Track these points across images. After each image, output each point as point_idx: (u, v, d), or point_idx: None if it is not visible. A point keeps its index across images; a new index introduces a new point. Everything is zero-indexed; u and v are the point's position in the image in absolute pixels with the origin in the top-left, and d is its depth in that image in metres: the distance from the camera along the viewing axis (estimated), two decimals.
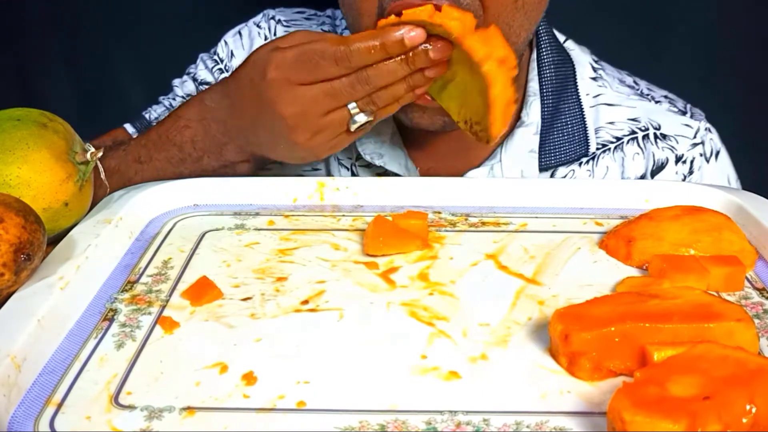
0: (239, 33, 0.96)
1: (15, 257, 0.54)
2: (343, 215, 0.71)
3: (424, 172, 0.87)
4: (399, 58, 0.66)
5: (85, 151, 0.65)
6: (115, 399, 0.48)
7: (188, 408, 0.47)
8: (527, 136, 0.85)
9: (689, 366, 0.45)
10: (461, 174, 0.86)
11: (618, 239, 0.64)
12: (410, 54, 0.66)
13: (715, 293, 0.58)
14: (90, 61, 1.71)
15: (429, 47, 0.65)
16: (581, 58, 0.90)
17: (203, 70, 0.95)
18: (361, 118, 0.69)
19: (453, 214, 0.71)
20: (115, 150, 0.81)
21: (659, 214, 0.65)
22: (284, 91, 0.68)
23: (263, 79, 0.68)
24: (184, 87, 0.96)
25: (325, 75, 0.66)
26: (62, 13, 1.68)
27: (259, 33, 0.95)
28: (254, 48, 0.92)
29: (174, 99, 0.96)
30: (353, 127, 0.69)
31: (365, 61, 0.65)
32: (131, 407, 0.47)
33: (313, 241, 0.67)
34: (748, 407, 0.42)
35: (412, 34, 0.64)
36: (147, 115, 0.96)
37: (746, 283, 0.60)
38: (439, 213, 0.71)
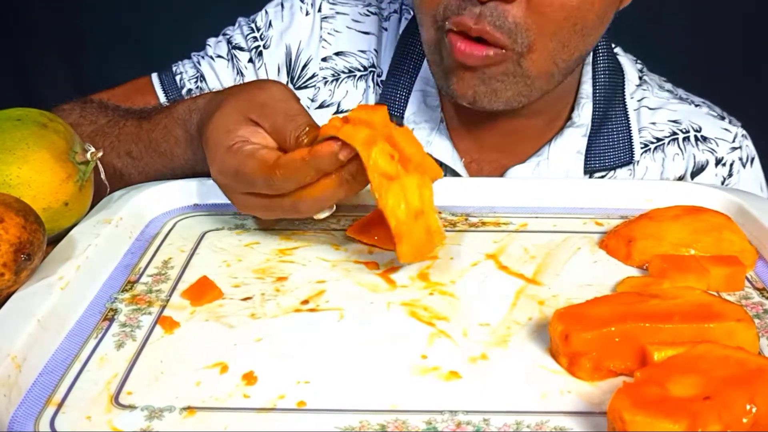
0: (281, 5, 0.94)
1: (15, 257, 0.54)
2: (343, 215, 0.71)
3: (467, 165, 0.87)
4: (336, 180, 0.59)
5: (85, 151, 0.65)
6: (116, 399, 0.48)
7: (188, 408, 0.47)
8: (576, 137, 0.86)
9: (689, 366, 0.45)
10: (506, 169, 0.86)
11: (618, 239, 0.64)
12: (348, 177, 0.59)
13: (715, 293, 0.58)
14: (90, 61, 1.71)
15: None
16: (629, 66, 0.91)
17: (239, 35, 0.94)
18: (323, 214, 0.63)
19: (453, 214, 0.71)
20: (111, 127, 0.80)
21: (660, 214, 0.65)
22: (230, 193, 0.64)
23: (216, 175, 0.64)
24: (217, 47, 0.94)
25: (261, 191, 0.61)
26: (62, 13, 1.68)
27: (301, 8, 0.93)
28: (294, 22, 0.92)
29: (203, 57, 0.94)
30: (317, 218, 0.63)
31: (300, 183, 0.59)
32: (131, 407, 0.47)
33: (313, 241, 0.67)
34: (748, 407, 0.42)
35: (346, 152, 0.57)
36: (175, 68, 0.95)
37: (746, 283, 0.60)
38: (440, 213, 0.71)
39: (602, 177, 0.87)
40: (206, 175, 0.74)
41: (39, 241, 0.55)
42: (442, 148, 0.86)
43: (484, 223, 0.70)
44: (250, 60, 0.93)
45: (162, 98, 0.93)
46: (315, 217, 0.64)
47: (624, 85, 0.89)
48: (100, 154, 0.66)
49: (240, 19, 0.95)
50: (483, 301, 0.58)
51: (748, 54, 1.55)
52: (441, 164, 0.85)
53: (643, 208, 0.69)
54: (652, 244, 0.62)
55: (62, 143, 0.64)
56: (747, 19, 1.54)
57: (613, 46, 0.91)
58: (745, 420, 0.42)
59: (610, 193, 0.73)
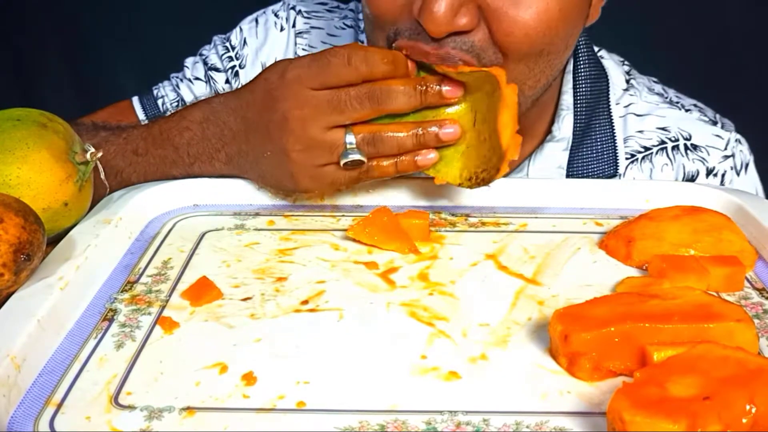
0: (255, 20, 0.94)
1: (15, 257, 0.54)
2: (343, 215, 0.71)
3: None
4: (411, 86, 0.64)
5: (85, 151, 0.65)
6: (115, 399, 0.48)
7: (188, 408, 0.47)
8: (557, 152, 0.84)
9: (689, 366, 0.45)
10: None
11: (618, 239, 0.64)
12: (424, 86, 0.64)
13: (715, 293, 0.58)
14: (90, 61, 1.71)
15: (442, 87, 0.65)
16: (615, 70, 0.88)
17: (214, 55, 0.94)
18: (354, 155, 0.65)
19: (453, 214, 0.71)
20: (117, 134, 0.80)
21: (659, 215, 0.65)
22: (293, 90, 0.65)
23: (279, 78, 0.66)
24: (194, 69, 0.94)
25: (335, 77, 0.64)
26: (62, 13, 1.68)
27: (276, 23, 0.92)
28: (269, 38, 0.91)
29: (181, 80, 0.94)
30: (343, 161, 0.65)
31: (376, 69, 0.63)
32: (131, 407, 0.47)
33: (313, 241, 0.67)
34: (748, 407, 0.42)
35: (456, 90, 0.64)
36: (156, 92, 0.94)
37: (746, 284, 0.60)
38: (440, 213, 0.71)
39: None
40: (202, 175, 0.74)
41: (39, 241, 0.55)
42: None
43: (484, 223, 0.70)
44: (227, 81, 0.93)
45: (144, 121, 0.92)
46: (343, 158, 0.65)
47: (608, 91, 0.86)
48: (99, 154, 0.66)
49: (215, 37, 0.95)
50: (483, 301, 0.58)
51: (745, 52, 1.55)
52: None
53: (642, 209, 0.69)
54: (651, 244, 0.62)
55: (62, 143, 0.64)
56: (743, 16, 1.54)
57: (597, 49, 0.88)
58: (744, 420, 0.42)
59: (610, 194, 0.73)
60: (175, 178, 0.75)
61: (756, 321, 0.55)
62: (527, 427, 0.46)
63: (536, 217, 0.71)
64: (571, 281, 0.61)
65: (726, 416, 0.41)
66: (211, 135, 0.72)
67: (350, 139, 0.65)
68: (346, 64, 0.63)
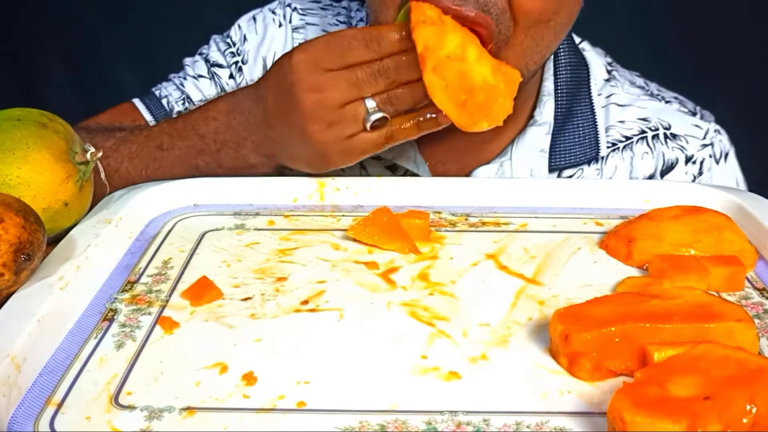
0: (254, 18, 0.96)
1: (15, 257, 0.54)
2: (343, 215, 0.71)
3: (433, 167, 0.86)
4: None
5: (85, 151, 0.65)
6: (115, 399, 0.48)
7: (188, 408, 0.47)
8: (539, 136, 0.85)
9: (689, 366, 0.45)
10: (471, 170, 0.86)
11: (618, 239, 0.64)
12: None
13: (715, 293, 0.58)
14: (90, 61, 1.71)
15: None
16: (596, 60, 0.90)
17: (215, 52, 0.95)
18: (378, 114, 0.68)
19: (453, 214, 0.71)
20: (136, 134, 0.81)
21: (659, 215, 0.65)
22: (307, 75, 0.68)
23: (293, 64, 0.68)
24: (195, 67, 0.95)
25: (353, 58, 0.67)
26: (62, 13, 1.68)
27: (273, 20, 0.95)
28: (268, 34, 0.94)
29: (185, 78, 0.95)
30: (369, 123, 0.68)
31: (394, 47, 0.67)
32: (131, 407, 0.47)
33: (313, 241, 0.67)
34: (748, 407, 0.42)
35: None
36: (157, 92, 0.95)
37: (746, 283, 0.60)
38: (440, 213, 0.71)
39: (570, 176, 0.86)
40: (229, 162, 0.74)
41: (39, 241, 0.55)
42: (403, 153, 0.84)
43: (484, 223, 0.70)
44: (231, 76, 0.95)
45: (150, 121, 0.93)
46: (368, 121, 0.68)
47: (589, 79, 0.88)
48: (100, 154, 0.66)
49: (214, 36, 0.97)
50: (483, 301, 0.58)
51: (732, 47, 1.55)
52: (406, 170, 0.85)
53: (642, 208, 0.69)
54: (652, 244, 0.62)
55: (62, 143, 0.64)
56: (733, 9, 1.54)
57: (579, 40, 0.90)
58: (745, 420, 0.42)
59: (610, 193, 0.73)
60: (199, 168, 0.76)
61: (756, 321, 0.55)
62: (527, 427, 0.46)
63: (536, 217, 0.71)
64: (571, 281, 0.61)
65: (726, 416, 0.42)
66: (236, 124, 0.74)
67: (370, 103, 0.68)
68: (365, 47, 0.67)
